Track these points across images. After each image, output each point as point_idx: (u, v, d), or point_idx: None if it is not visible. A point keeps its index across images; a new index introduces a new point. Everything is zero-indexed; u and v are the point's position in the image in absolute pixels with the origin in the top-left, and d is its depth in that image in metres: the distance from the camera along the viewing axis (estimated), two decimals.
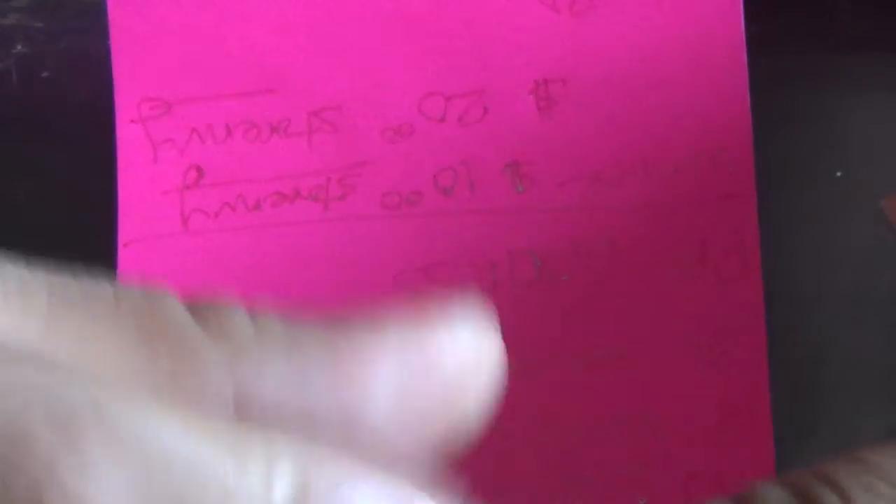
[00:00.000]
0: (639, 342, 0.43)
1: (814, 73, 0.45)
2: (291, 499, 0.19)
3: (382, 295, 0.43)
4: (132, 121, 0.44)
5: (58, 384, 0.19)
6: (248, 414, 0.21)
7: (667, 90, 0.43)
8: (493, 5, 0.44)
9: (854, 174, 0.45)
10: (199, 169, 0.44)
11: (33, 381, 0.19)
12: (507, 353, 0.45)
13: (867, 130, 0.45)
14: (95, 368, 0.21)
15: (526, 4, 0.43)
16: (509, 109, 0.44)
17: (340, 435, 0.22)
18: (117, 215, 0.43)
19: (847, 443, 0.43)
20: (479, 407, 0.23)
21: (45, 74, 0.45)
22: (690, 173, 0.43)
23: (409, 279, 0.43)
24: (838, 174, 0.45)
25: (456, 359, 0.23)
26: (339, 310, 0.22)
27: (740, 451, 0.42)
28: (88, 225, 0.44)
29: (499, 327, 0.24)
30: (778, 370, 0.43)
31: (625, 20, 0.43)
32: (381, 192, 0.44)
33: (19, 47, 0.45)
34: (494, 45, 0.44)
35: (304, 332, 0.22)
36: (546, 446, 0.43)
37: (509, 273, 0.43)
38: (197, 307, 0.22)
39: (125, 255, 0.43)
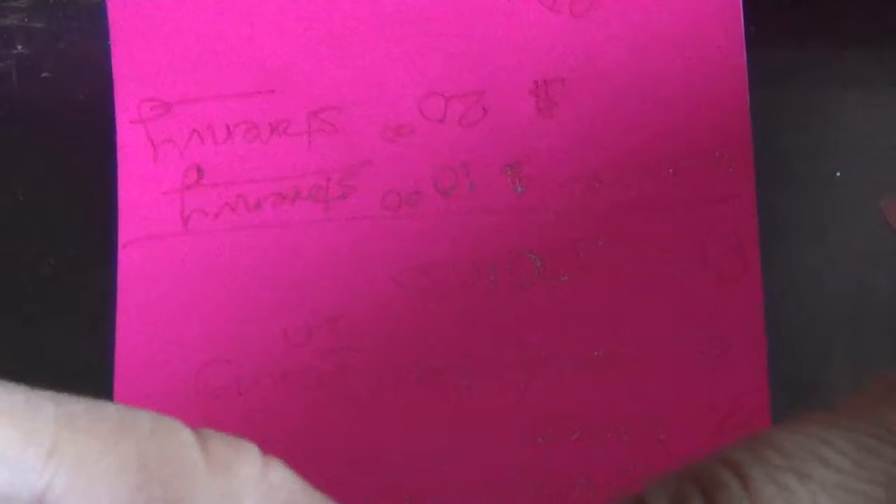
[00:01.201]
0: (639, 342, 0.43)
1: (814, 73, 0.45)
2: None
3: (383, 295, 0.43)
4: (132, 121, 0.44)
5: None
6: None
7: (666, 90, 0.43)
8: (493, 6, 0.44)
9: (854, 174, 0.45)
10: (199, 169, 0.44)
11: None
12: (506, 353, 0.45)
13: (867, 130, 0.45)
14: (89, 490, 0.21)
15: (525, 5, 0.43)
16: (509, 110, 0.44)
17: None
18: (117, 215, 0.43)
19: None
20: None
21: (45, 74, 0.45)
22: (690, 173, 0.43)
23: (409, 279, 0.43)
24: (838, 174, 0.45)
25: None
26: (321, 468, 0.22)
27: None
28: (88, 225, 0.44)
29: None
30: (778, 370, 0.43)
31: (624, 21, 0.43)
32: (381, 193, 0.44)
33: (20, 47, 0.45)
34: (494, 45, 0.44)
35: (308, 494, 0.22)
36: (546, 446, 0.43)
37: (509, 273, 0.43)
38: (208, 437, 0.22)
39: (125, 255, 0.43)
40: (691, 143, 0.43)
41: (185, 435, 0.22)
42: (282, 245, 0.44)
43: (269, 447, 0.43)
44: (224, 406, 0.43)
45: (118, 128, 0.44)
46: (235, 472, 0.22)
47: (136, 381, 0.43)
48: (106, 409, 0.22)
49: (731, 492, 0.24)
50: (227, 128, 0.44)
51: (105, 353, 0.43)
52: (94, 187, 0.44)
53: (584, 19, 0.43)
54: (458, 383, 0.43)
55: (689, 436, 0.43)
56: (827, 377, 0.44)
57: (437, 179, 0.44)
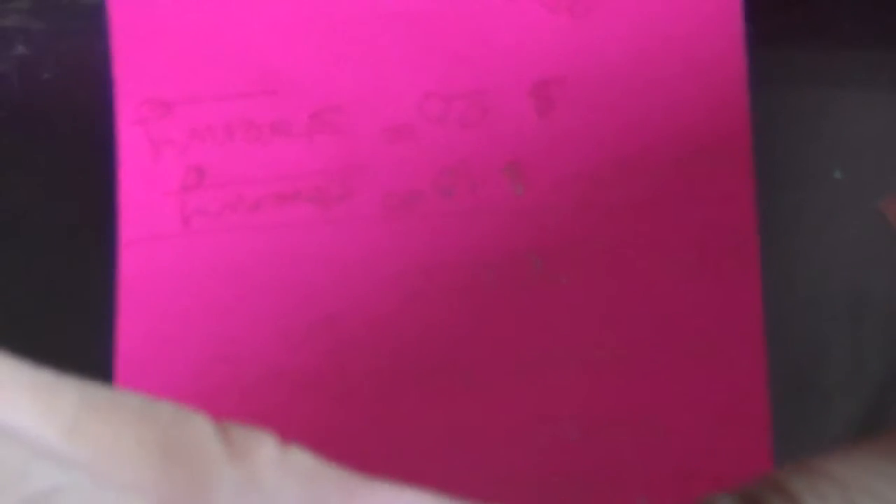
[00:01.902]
0: (638, 342, 0.43)
1: (813, 73, 0.45)
2: None
3: (384, 297, 0.43)
4: (133, 121, 0.44)
5: None
6: None
7: (666, 90, 0.43)
8: (493, 6, 0.44)
9: (854, 174, 0.45)
10: (199, 169, 0.44)
11: None
12: (507, 353, 0.45)
13: (867, 130, 0.45)
14: (111, 474, 0.21)
15: (525, 5, 0.44)
16: (509, 110, 0.44)
17: None
18: (117, 215, 0.43)
19: (846, 443, 0.43)
20: None
21: (45, 75, 0.45)
22: (689, 173, 0.43)
23: (409, 280, 0.43)
24: (838, 174, 0.45)
25: None
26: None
27: (739, 450, 0.42)
28: (88, 225, 0.44)
29: None
30: (777, 370, 0.43)
31: (624, 20, 0.43)
32: (382, 193, 0.44)
33: (20, 48, 0.45)
34: (493, 45, 0.44)
35: (327, 470, 0.22)
36: (546, 446, 0.43)
37: (509, 273, 0.43)
38: (227, 427, 0.22)
39: (125, 255, 0.43)
40: (691, 142, 0.43)
41: (204, 424, 0.22)
42: (282, 245, 0.44)
43: None
44: (224, 406, 0.43)
45: (118, 128, 0.44)
46: (254, 457, 0.22)
47: (136, 381, 0.43)
48: (128, 397, 0.22)
49: None
50: (228, 128, 0.44)
51: (105, 353, 0.43)
52: (94, 187, 0.44)
53: (584, 19, 0.43)
54: (458, 383, 0.43)
55: (688, 436, 0.43)
56: (827, 377, 0.44)
57: (437, 180, 0.44)
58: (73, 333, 0.44)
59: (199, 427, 0.22)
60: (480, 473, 0.43)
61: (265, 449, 0.22)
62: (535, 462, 0.43)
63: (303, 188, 0.44)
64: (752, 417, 0.42)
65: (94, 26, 0.44)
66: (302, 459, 0.22)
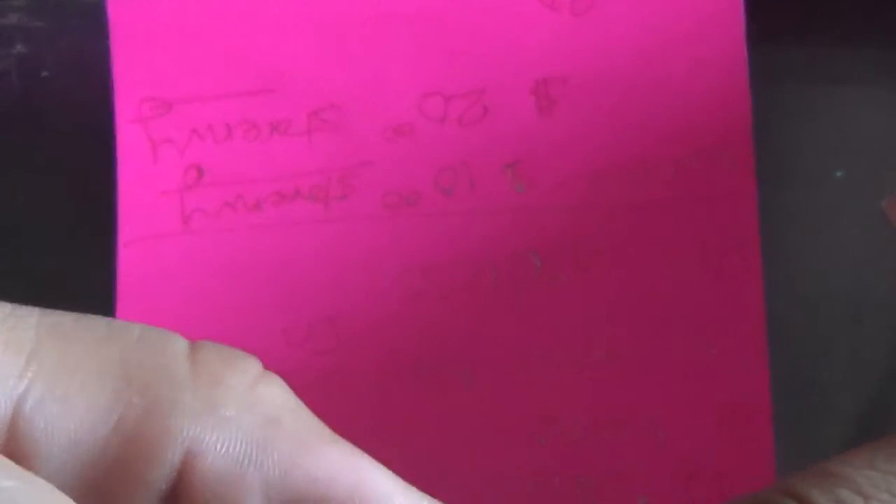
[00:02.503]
0: (638, 342, 0.43)
1: (814, 73, 0.45)
2: None
3: (385, 295, 0.43)
4: (132, 121, 0.44)
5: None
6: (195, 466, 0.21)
7: (667, 89, 0.43)
8: (493, 5, 0.44)
9: (854, 174, 0.45)
10: (199, 169, 0.44)
11: None
12: (507, 353, 0.45)
13: (867, 130, 0.45)
14: (69, 398, 0.21)
15: (526, 4, 0.43)
16: (509, 109, 0.44)
17: None
18: (117, 215, 0.43)
19: (847, 443, 0.43)
20: None
21: (45, 74, 0.45)
22: (690, 172, 0.43)
23: (409, 279, 0.43)
24: (838, 174, 0.45)
25: None
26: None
27: (740, 451, 0.42)
28: (88, 225, 0.44)
29: None
30: (778, 370, 0.43)
31: (625, 19, 0.43)
32: (382, 192, 0.44)
33: (19, 47, 0.45)
34: (494, 44, 0.44)
35: (292, 414, 0.22)
36: (546, 446, 0.43)
37: (509, 273, 0.43)
38: (204, 348, 0.22)
39: (125, 255, 0.43)
40: (692, 141, 0.43)
41: (175, 344, 0.21)
42: (282, 245, 0.44)
43: None
44: None
45: (118, 127, 0.44)
46: (223, 385, 0.21)
47: None
48: (94, 320, 0.22)
49: None
50: (227, 127, 0.44)
51: None
52: (94, 187, 0.44)
53: (585, 18, 0.43)
54: (458, 383, 0.43)
55: (688, 436, 0.42)
56: (827, 377, 0.44)
57: (437, 179, 0.44)
58: None
59: (168, 347, 0.21)
60: (480, 473, 0.43)
61: (237, 378, 0.22)
62: (535, 462, 0.43)
63: (302, 187, 0.44)
64: (754, 417, 0.42)
65: (93, 25, 0.44)
66: (273, 394, 0.22)
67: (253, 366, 0.22)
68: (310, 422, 0.22)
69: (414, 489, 0.23)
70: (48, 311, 0.21)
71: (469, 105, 0.44)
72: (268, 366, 0.44)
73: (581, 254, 0.43)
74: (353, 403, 0.43)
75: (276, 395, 0.22)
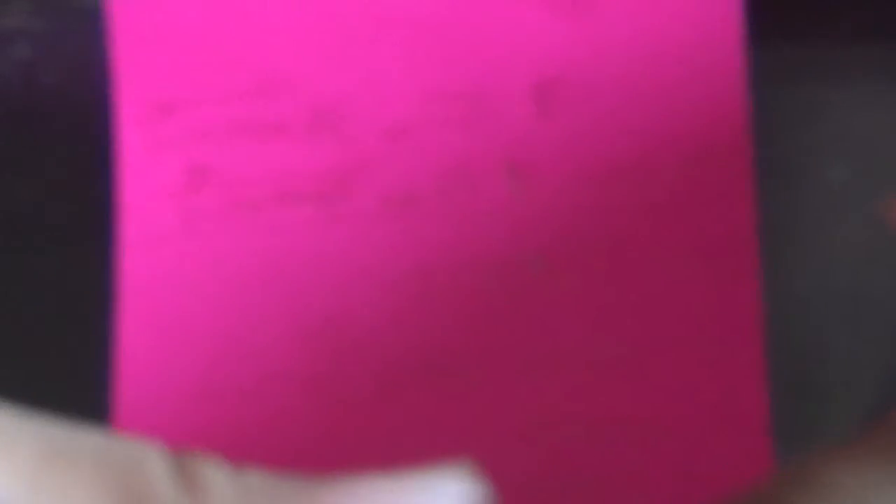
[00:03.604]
0: (637, 343, 0.43)
1: (813, 73, 0.45)
2: None
3: (384, 300, 0.43)
4: (134, 123, 0.44)
5: None
6: None
7: (666, 90, 0.43)
8: (493, 6, 0.44)
9: (854, 174, 0.45)
10: (199, 170, 0.44)
11: None
12: (507, 353, 0.45)
13: (867, 130, 0.45)
14: None
15: (525, 5, 0.44)
16: (508, 111, 0.44)
17: None
18: (117, 216, 0.43)
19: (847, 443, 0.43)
20: None
21: (46, 76, 0.45)
22: (690, 173, 0.43)
23: (409, 280, 0.43)
24: (838, 174, 0.45)
25: None
26: (322, 472, 0.23)
27: (739, 451, 0.42)
28: (88, 225, 0.44)
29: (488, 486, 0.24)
30: (777, 370, 0.43)
31: (624, 21, 0.43)
32: (382, 193, 0.44)
33: (21, 49, 0.45)
34: (494, 45, 0.44)
35: (283, 483, 0.23)
36: (546, 447, 0.43)
37: (508, 274, 0.43)
38: (182, 460, 0.23)
39: (127, 257, 0.43)
40: (691, 142, 0.43)
41: (158, 462, 0.22)
42: (282, 246, 0.44)
43: (270, 447, 0.43)
44: (225, 406, 0.43)
45: (119, 128, 0.44)
46: (208, 488, 0.22)
47: (137, 382, 0.43)
48: (86, 439, 0.22)
49: None
50: (229, 129, 0.44)
51: (106, 354, 0.43)
52: (94, 189, 0.44)
53: (585, 20, 0.43)
54: (458, 384, 0.43)
55: (688, 436, 0.43)
56: (827, 377, 0.44)
57: (436, 180, 0.44)
58: (73, 335, 0.44)
59: (153, 466, 0.22)
60: (480, 473, 0.43)
61: (219, 477, 0.22)
62: (534, 462, 0.43)
63: (303, 189, 0.44)
64: (752, 418, 0.42)
65: (95, 27, 0.44)
66: (256, 479, 0.23)
67: (225, 464, 0.23)
68: (300, 482, 0.23)
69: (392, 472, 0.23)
70: (44, 427, 0.22)
71: (469, 106, 0.44)
72: (269, 366, 0.45)
73: (580, 255, 0.43)
74: (353, 403, 0.43)
75: (259, 478, 0.23)
